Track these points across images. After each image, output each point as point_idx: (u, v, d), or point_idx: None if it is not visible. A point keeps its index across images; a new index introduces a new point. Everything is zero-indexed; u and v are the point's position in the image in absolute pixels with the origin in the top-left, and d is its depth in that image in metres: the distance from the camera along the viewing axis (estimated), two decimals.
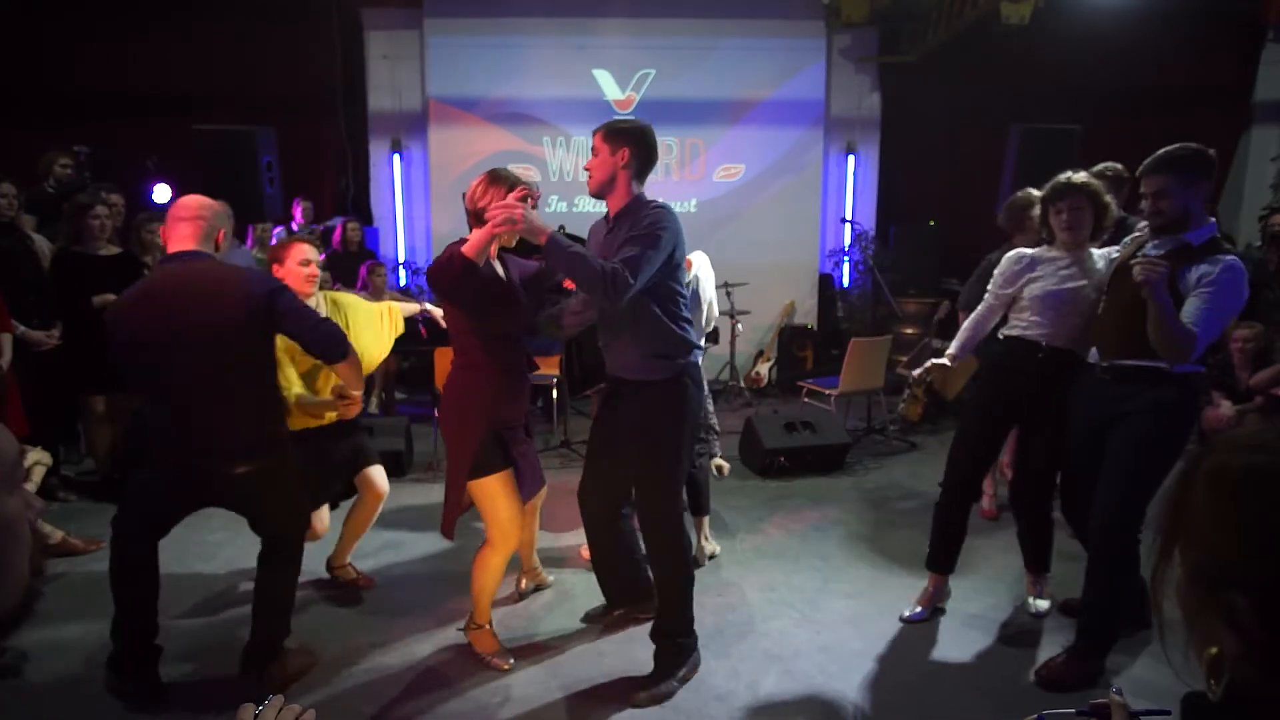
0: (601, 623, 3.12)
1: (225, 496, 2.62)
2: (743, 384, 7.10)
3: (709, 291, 3.56)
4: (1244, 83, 7.75)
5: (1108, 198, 2.92)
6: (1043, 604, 3.22)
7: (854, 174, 7.80)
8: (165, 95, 6.77)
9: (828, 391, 5.43)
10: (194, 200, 2.58)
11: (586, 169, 2.60)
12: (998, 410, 3.07)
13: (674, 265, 2.57)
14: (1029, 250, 3.06)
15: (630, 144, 2.54)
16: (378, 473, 3.31)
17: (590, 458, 2.91)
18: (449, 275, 2.45)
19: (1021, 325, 3.00)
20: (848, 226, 7.69)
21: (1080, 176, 2.90)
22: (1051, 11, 6.34)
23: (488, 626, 2.88)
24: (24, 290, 4.15)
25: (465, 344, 2.67)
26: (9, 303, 3.93)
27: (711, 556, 3.72)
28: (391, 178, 7.49)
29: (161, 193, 6.03)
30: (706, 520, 3.72)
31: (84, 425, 4.75)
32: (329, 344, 2.51)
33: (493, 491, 2.69)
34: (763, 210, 7.44)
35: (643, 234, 2.45)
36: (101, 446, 4.52)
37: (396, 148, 7.43)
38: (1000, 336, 3.10)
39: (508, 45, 7.24)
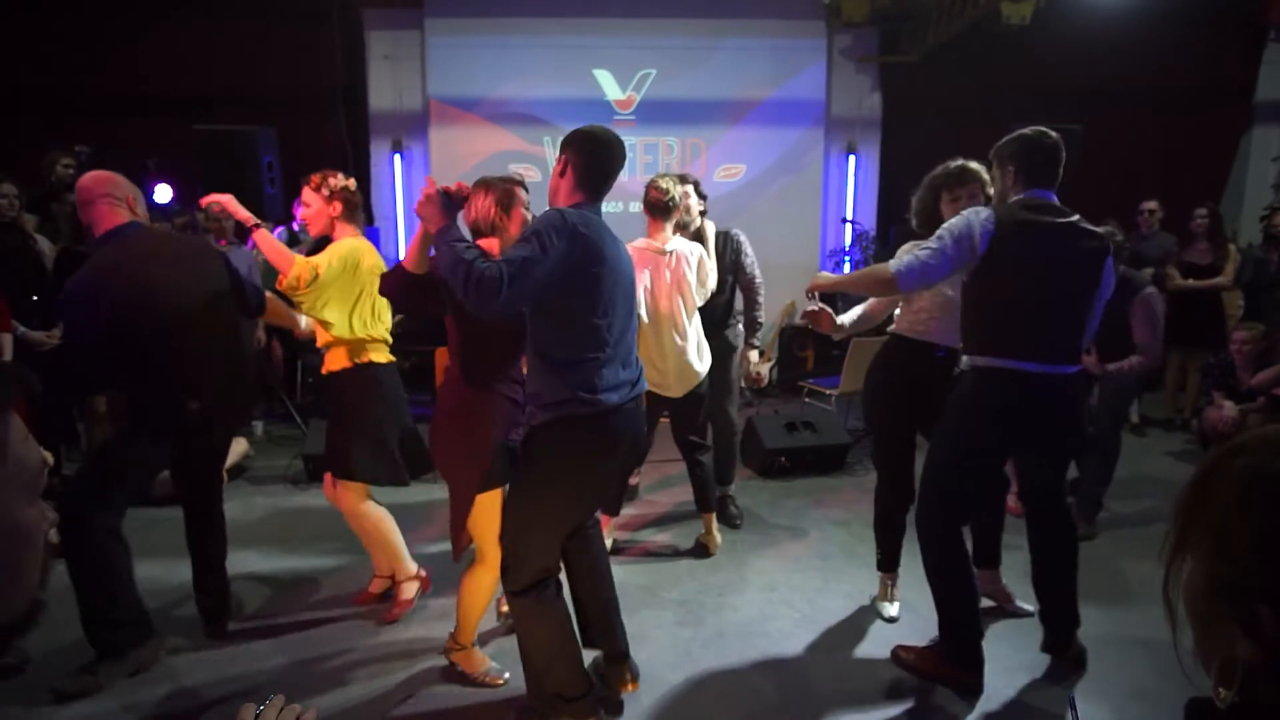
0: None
1: (192, 463, 2.89)
2: (743, 384, 7.09)
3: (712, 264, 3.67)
4: (1245, 82, 7.74)
5: (990, 190, 2.90)
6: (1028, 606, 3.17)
7: (855, 174, 7.78)
8: (166, 95, 6.77)
9: (828, 391, 5.42)
10: (93, 178, 2.73)
11: None
12: None
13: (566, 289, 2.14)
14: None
15: (570, 151, 2.26)
16: None
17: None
18: (388, 283, 2.46)
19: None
20: (848, 227, 7.68)
21: (975, 163, 2.92)
22: (1052, 11, 6.34)
23: (472, 647, 2.75)
24: (25, 290, 4.15)
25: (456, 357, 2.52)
26: (9, 303, 3.94)
27: (712, 553, 3.78)
28: (392, 177, 7.49)
29: (162, 193, 6.02)
30: (713, 516, 3.84)
31: (85, 425, 4.75)
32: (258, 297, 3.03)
33: (496, 506, 2.50)
34: (763, 210, 7.42)
35: (524, 236, 2.14)
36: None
37: (397, 148, 7.43)
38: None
39: (508, 45, 7.24)
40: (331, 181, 3.02)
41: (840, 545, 3.92)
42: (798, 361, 7.33)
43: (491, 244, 2.49)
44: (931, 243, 2.55)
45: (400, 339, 5.78)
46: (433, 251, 2.25)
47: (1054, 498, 2.84)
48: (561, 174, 2.28)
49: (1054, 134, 2.59)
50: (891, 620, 3.18)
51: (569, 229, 2.13)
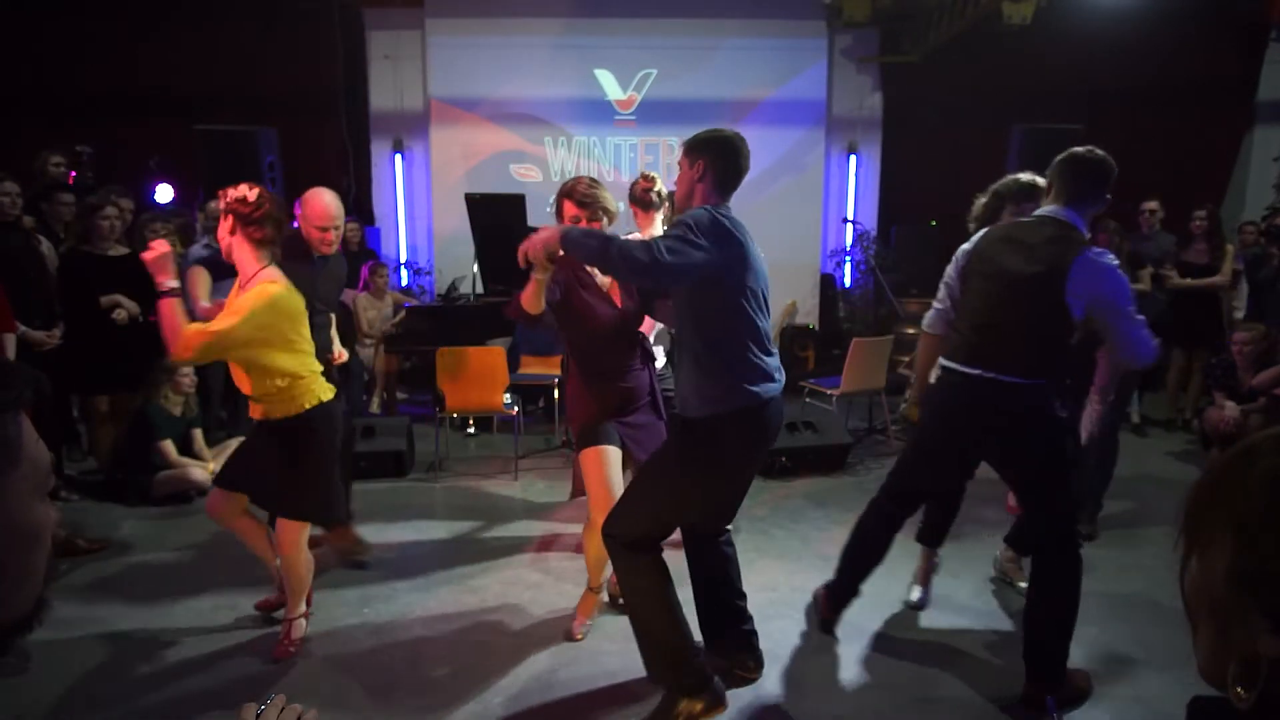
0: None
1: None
2: None
3: None
4: (1247, 82, 7.74)
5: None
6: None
7: (855, 174, 7.79)
8: (167, 95, 6.78)
9: (829, 391, 5.42)
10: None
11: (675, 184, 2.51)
12: None
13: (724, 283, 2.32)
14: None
15: (706, 155, 2.38)
16: None
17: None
18: (513, 312, 2.64)
19: None
20: (849, 226, 7.69)
21: (1041, 178, 2.95)
22: (1054, 11, 6.34)
23: (590, 590, 3.10)
24: (27, 290, 4.15)
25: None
26: (11, 303, 3.94)
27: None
28: (393, 177, 7.50)
29: (163, 193, 6.03)
30: None
31: (87, 424, 4.76)
32: None
33: (588, 465, 2.84)
34: (764, 210, 7.38)
35: (675, 224, 2.31)
36: (104, 446, 4.52)
37: (398, 147, 7.43)
38: None
39: (509, 45, 7.24)
40: (231, 192, 2.67)
41: (841, 545, 3.91)
42: (798, 361, 7.33)
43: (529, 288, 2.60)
44: (940, 291, 2.93)
45: (400, 339, 5.82)
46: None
47: (1034, 518, 2.77)
48: (700, 178, 2.39)
49: (1095, 151, 2.70)
50: (915, 606, 3.26)
51: (722, 228, 2.30)
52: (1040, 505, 2.68)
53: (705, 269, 2.24)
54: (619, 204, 3.13)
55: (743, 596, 2.74)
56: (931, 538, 3.31)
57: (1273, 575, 0.67)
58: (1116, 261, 2.55)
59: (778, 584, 3.48)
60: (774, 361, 2.44)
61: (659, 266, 2.17)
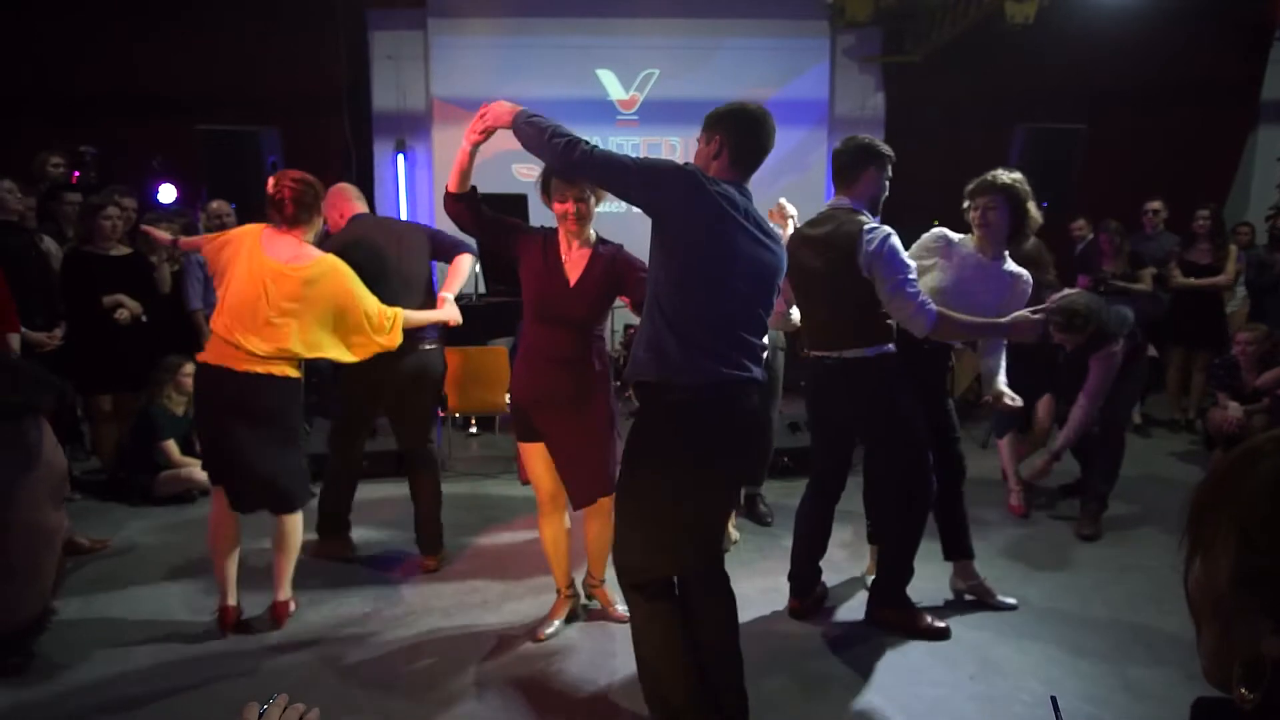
0: None
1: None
2: None
3: None
4: (1251, 82, 7.72)
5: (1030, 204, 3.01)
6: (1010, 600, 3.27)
7: None
8: (170, 96, 6.78)
9: None
10: (338, 187, 3.47)
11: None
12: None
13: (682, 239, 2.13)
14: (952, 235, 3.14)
15: (722, 130, 2.22)
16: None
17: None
18: (449, 209, 2.71)
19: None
20: None
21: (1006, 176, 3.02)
22: (1056, 10, 6.32)
23: (564, 592, 3.11)
24: (27, 290, 4.16)
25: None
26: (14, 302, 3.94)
27: (734, 542, 3.86)
28: (396, 178, 7.50)
29: (166, 193, 6.05)
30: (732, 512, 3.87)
31: (90, 424, 4.77)
32: None
33: (523, 455, 2.94)
34: (766, 210, 7.42)
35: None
36: (107, 445, 4.53)
37: (401, 148, 7.44)
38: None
39: (511, 45, 7.25)
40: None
41: (843, 545, 3.91)
42: (800, 361, 7.33)
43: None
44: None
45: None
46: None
47: (884, 477, 3.03)
48: (716, 155, 2.22)
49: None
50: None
51: (692, 179, 2.09)
52: (889, 463, 2.94)
53: (627, 190, 2.11)
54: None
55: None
56: (955, 549, 3.25)
57: (1276, 576, 0.67)
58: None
59: (780, 585, 3.47)
60: (745, 353, 2.19)
61: (569, 161, 2.13)
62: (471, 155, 2.62)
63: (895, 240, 2.73)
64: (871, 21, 7.29)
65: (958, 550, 3.26)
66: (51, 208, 4.98)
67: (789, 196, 3.49)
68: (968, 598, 3.28)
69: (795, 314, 3.29)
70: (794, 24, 7.42)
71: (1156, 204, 5.99)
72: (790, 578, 3.21)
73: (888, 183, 2.93)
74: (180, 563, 3.65)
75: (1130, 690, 2.72)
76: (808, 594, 3.20)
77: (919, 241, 3.14)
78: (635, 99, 7.42)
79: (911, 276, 2.74)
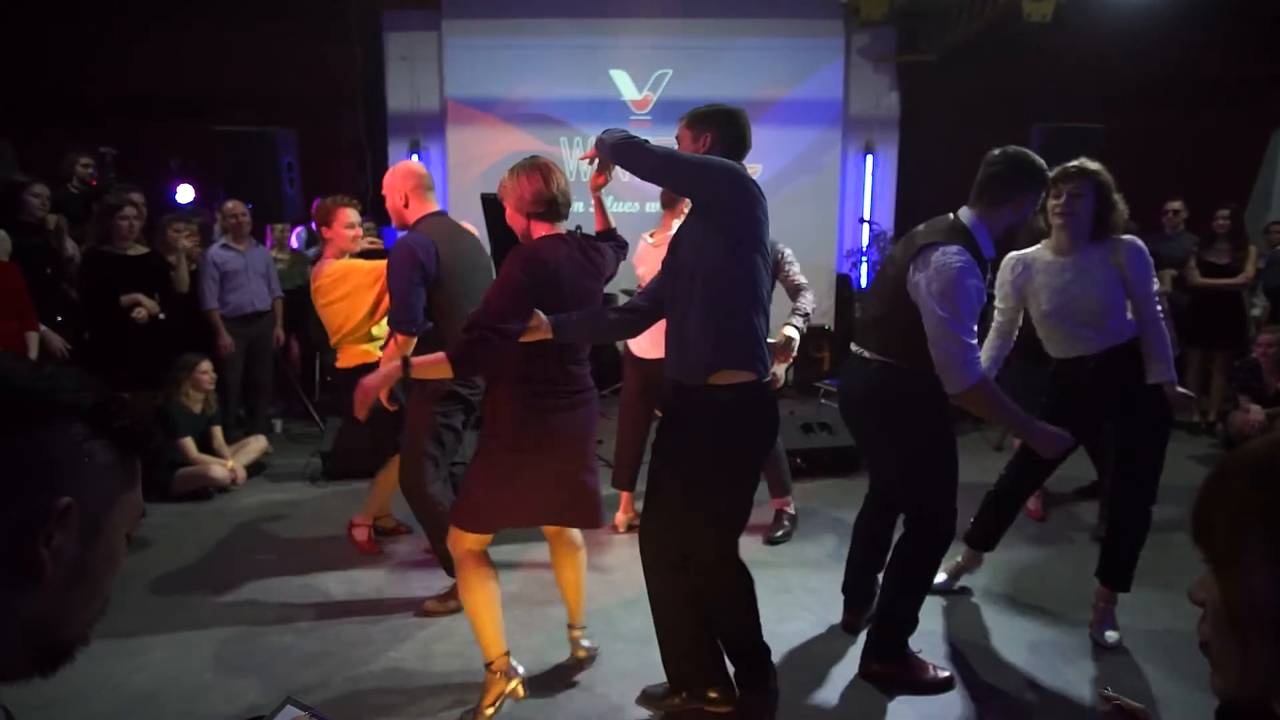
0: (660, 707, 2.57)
1: None
2: None
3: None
4: (1272, 78, 7.61)
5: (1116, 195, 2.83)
6: (1112, 635, 3.00)
7: (872, 174, 7.74)
8: (187, 97, 6.85)
9: None
10: (406, 170, 3.45)
11: None
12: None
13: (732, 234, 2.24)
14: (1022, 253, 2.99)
15: (713, 127, 2.33)
16: None
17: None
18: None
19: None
20: (866, 227, 7.64)
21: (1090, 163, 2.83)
22: (1074, 8, 6.25)
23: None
24: (48, 290, 4.21)
25: None
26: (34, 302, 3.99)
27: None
28: None
29: (184, 193, 6.11)
30: None
31: None
32: None
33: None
34: (780, 210, 7.27)
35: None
36: None
37: (415, 148, 7.47)
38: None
39: (525, 46, 7.26)
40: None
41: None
42: (814, 362, 7.30)
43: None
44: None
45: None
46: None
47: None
48: (708, 151, 2.33)
49: None
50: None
51: (734, 168, 2.26)
52: (907, 495, 2.73)
53: (714, 188, 2.24)
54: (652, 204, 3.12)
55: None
56: (980, 541, 3.31)
57: None
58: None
59: (792, 586, 3.46)
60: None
61: (668, 168, 2.22)
62: (598, 200, 2.71)
63: (962, 275, 2.33)
64: (886, 20, 7.23)
65: (983, 544, 3.31)
66: (94, 207, 4.99)
67: (802, 196, 3.50)
68: (942, 577, 3.23)
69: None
70: (808, 23, 7.39)
71: (1177, 204, 5.92)
72: (844, 589, 3.09)
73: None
74: (197, 560, 3.68)
75: (1150, 696, 2.69)
76: (862, 610, 3.03)
77: (998, 281, 2.90)
78: (649, 99, 7.42)
79: (965, 321, 2.32)
